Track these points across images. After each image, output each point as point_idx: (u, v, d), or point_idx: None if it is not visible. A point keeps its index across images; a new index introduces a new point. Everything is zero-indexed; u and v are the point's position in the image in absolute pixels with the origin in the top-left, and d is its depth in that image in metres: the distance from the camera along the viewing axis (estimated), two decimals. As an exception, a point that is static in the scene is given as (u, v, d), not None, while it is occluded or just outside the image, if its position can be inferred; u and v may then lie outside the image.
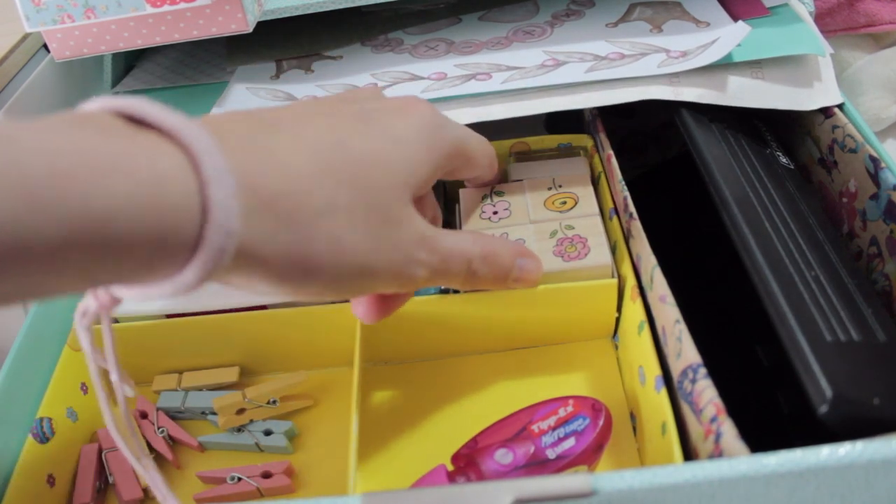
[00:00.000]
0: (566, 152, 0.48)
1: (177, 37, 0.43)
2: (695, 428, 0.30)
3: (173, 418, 0.42)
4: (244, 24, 0.42)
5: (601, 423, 0.34)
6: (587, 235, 0.40)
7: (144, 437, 0.40)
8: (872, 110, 0.58)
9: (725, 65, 0.42)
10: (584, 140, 0.48)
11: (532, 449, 0.33)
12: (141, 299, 0.24)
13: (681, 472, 0.25)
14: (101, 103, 0.23)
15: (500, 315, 0.41)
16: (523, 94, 0.43)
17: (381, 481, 0.38)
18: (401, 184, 0.30)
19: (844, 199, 0.42)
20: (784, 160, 0.44)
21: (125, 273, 0.22)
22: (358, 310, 0.35)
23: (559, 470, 0.33)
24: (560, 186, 0.43)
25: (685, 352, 0.32)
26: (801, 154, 0.47)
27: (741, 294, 0.35)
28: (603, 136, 0.45)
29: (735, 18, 0.46)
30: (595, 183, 0.45)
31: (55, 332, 0.41)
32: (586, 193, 0.43)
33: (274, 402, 0.41)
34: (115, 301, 0.26)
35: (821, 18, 0.57)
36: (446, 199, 0.48)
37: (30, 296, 0.20)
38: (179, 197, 0.21)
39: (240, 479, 0.38)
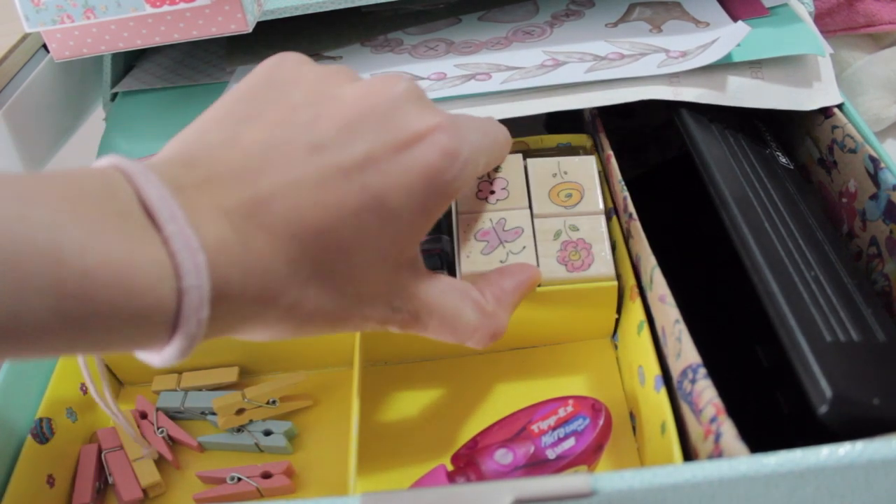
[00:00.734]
0: (566, 152, 0.48)
1: (176, 37, 0.43)
2: (694, 428, 0.30)
3: (173, 418, 0.42)
4: (244, 24, 0.42)
5: (601, 423, 0.34)
6: (591, 241, 0.39)
7: (144, 438, 0.40)
8: (872, 110, 0.58)
9: (725, 65, 0.42)
10: (583, 140, 0.48)
11: (532, 449, 0.33)
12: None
13: (680, 472, 0.25)
14: (115, 164, 0.24)
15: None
16: (523, 94, 0.43)
17: (380, 481, 0.38)
18: (379, 261, 0.28)
19: (844, 200, 0.42)
20: (784, 160, 0.44)
21: (112, 347, 0.24)
22: None
23: (559, 470, 0.33)
24: (566, 173, 0.42)
25: (685, 352, 0.32)
26: (801, 154, 0.47)
27: (741, 294, 0.35)
28: (602, 136, 0.45)
29: (735, 18, 0.46)
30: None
31: (55, 332, 0.41)
32: (591, 185, 0.42)
33: (273, 402, 0.41)
34: None
35: (820, 18, 0.57)
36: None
37: (21, 359, 0.23)
38: (157, 296, 0.23)
39: (239, 479, 0.38)
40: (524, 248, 0.40)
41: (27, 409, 0.38)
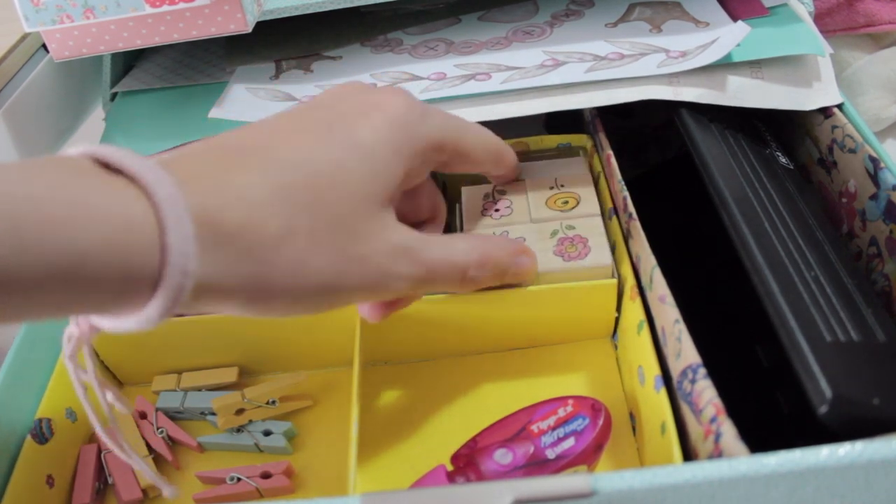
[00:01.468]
0: (566, 152, 0.48)
1: (176, 37, 0.43)
2: (694, 428, 0.30)
3: (172, 419, 0.42)
4: (243, 24, 0.42)
5: (601, 423, 0.34)
6: (588, 235, 0.40)
7: (143, 438, 0.40)
8: (872, 110, 0.58)
9: (725, 65, 0.42)
10: (583, 140, 0.48)
11: (531, 449, 0.33)
12: (115, 329, 0.26)
13: (680, 472, 0.25)
14: (81, 149, 0.25)
15: (499, 315, 0.41)
16: (523, 94, 0.43)
17: (380, 481, 0.38)
18: (365, 196, 0.29)
19: (844, 200, 0.42)
20: (783, 160, 0.44)
21: (97, 306, 0.24)
22: (362, 309, 0.36)
23: (559, 470, 0.32)
24: (562, 186, 0.43)
25: (685, 352, 0.32)
26: (801, 154, 0.47)
27: (741, 294, 0.35)
28: (602, 136, 0.45)
29: (734, 18, 0.46)
30: (595, 183, 0.45)
31: (54, 332, 0.41)
32: (588, 193, 0.43)
33: (273, 402, 0.41)
34: (95, 329, 0.27)
35: (820, 18, 0.57)
36: (447, 199, 0.48)
37: (9, 321, 0.23)
38: (142, 242, 0.23)
39: (239, 479, 0.38)
40: None
41: (27, 409, 0.38)
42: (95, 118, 0.55)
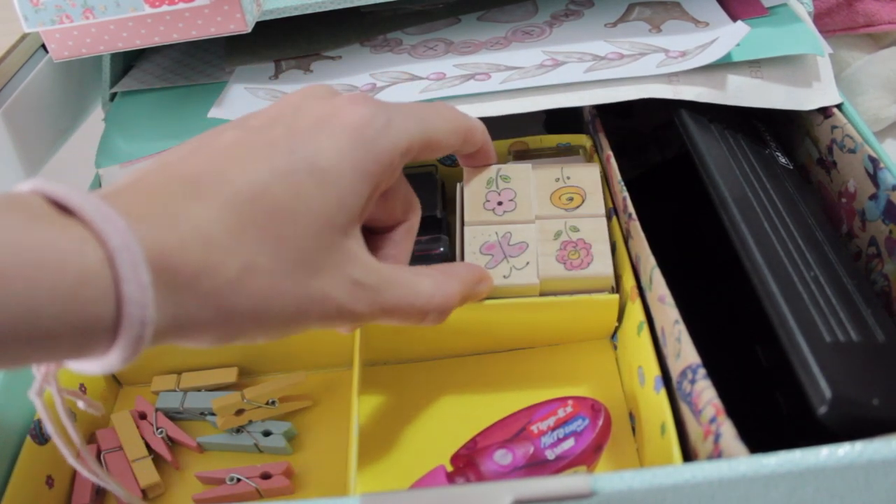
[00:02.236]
0: (565, 152, 0.48)
1: (175, 37, 0.43)
2: (694, 428, 0.30)
3: (172, 419, 0.42)
4: (243, 24, 0.42)
5: (600, 423, 0.34)
6: (592, 241, 0.39)
7: (143, 438, 0.40)
8: (871, 110, 0.58)
9: (724, 65, 0.42)
10: (583, 140, 0.48)
11: (531, 449, 0.33)
12: (80, 370, 0.25)
13: (680, 472, 0.25)
14: (32, 186, 0.24)
15: (499, 318, 0.41)
16: (521, 92, 0.43)
17: (380, 482, 0.38)
18: (326, 225, 0.28)
19: (843, 200, 0.42)
20: (783, 160, 0.44)
21: (55, 356, 0.23)
22: None
23: (558, 470, 0.32)
24: (568, 178, 0.42)
25: (684, 352, 0.32)
26: (801, 154, 0.47)
27: (740, 294, 0.35)
28: (602, 136, 0.45)
29: (734, 18, 0.46)
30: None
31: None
32: (594, 188, 0.41)
33: (273, 402, 0.41)
34: (59, 365, 0.27)
35: (820, 18, 0.57)
36: (445, 194, 0.48)
37: None
38: (97, 294, 0.22)
39: (239, 479, 0.38)
40: (528, 263, 0.39)
41: (27, 409, 0.38)
42: (95, 118, 0.55)
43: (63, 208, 0.23)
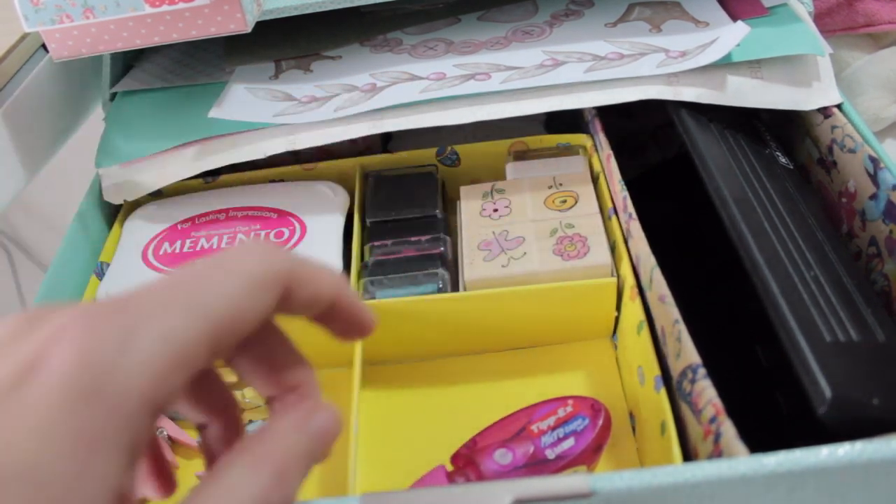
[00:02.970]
0: (565, 152, 0.48)
1: (175, 37, 0.43)
2: (694, 428, 0.30)
3: (172, 418, 0.42)
4: (243, 24, 0.42)
5: (600, 423, 0.34)
6: (587, 234, 0.40)
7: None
8: (871, 110, 0.58)
9: (724, 65, 0.42)
10: (583, 140, 0.48)
11: (531, 449, 0.33)
12: None
13: (680, 472, 0.25)
14: None
15: (499, 315, 0.41)
16: (522, 94, 0.43)
17: (380, 481, 0.38)
18: None
19: (844, 200, 0.42)
20: (783, 160, 0.44)
21: None
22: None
23: (558, 470, 0.32)
24: (560, 185, 0.43)
25: (684, 352, 0.32)
26: (801, 154, 0.47)
27: (741, 294, 0.35)
28: (602, 136, 0.45)
29: (734, 18, 0.46)
30: (594, 182, 0.45)
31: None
32: (586, 192, 0.43)
33: (273, 402, 0.41)
34: None
35: (820, 18, 0.57)
36: (446, 198, 0.48)
37: None
38: None
39: (239, 479, 0.38)
40: (525, 254, 0.40)
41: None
42: (95, 118, 0.55)
43: None
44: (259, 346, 0.24)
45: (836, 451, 0.25)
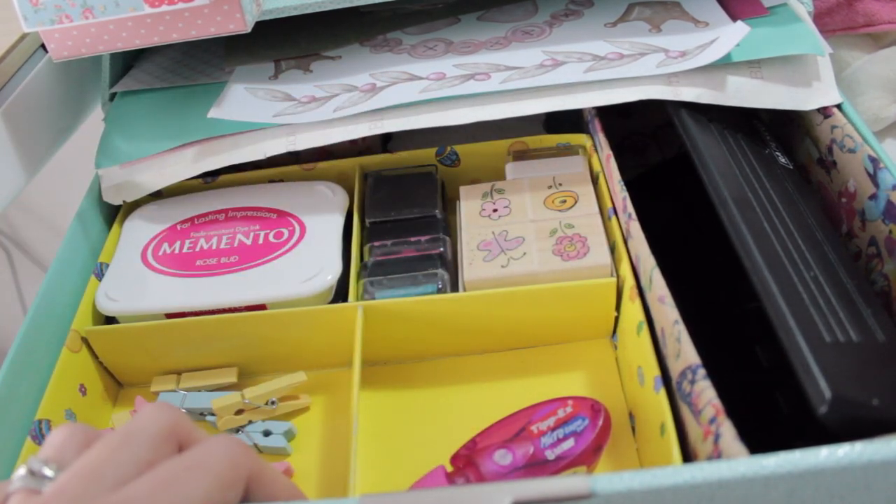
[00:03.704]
0: (565, 152, 0.48)
1: (175, 37, 0.43)
2: (694, 429, 0.30)
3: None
4: (242, 24, 0.42)
5: (600, 423, 0.34)
6: (587, 234, 0.40)
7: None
8: (871, 110, 0.58)
9: (724, 65, 0.42)
10: (582, 140, 0.48)
11: (531, 450, 0.33)
12: None
13: (680, 473, 0.25)
14: None
15: (499, 315, 0.41)
16: (522, 95, 0.43)
17: (380, 482, 0.38)
18: None
19: (843, 200, 0.42)
20: (783, 160, 0.44)
21: None
22: None
23: (558, 471, 0.32)
24: (560, 185, 0.43)
25: (684, 352, 0.32)
26: (800, 154, 0.47)
27: (740, 294, 0.35)
28: (602, 136, 0.45)
29: (734, 18, 0.46)
30: (594, 182, 0.45)
31: (54, 333, 0.41)
32: (586, 192, 0.43)
33: (273, 402, 0.41)
34: None
35: (820, 18, 0.57)
36: (446, 199, 0.48)
37: None
38: None
39: (239, 479, 0.38)
40: (524, 254, 0.40)
41: (27, 410, 0.38)
42: (95, 118, 0.55)
43: None
44: None
45: (836, 451, 0.25)
